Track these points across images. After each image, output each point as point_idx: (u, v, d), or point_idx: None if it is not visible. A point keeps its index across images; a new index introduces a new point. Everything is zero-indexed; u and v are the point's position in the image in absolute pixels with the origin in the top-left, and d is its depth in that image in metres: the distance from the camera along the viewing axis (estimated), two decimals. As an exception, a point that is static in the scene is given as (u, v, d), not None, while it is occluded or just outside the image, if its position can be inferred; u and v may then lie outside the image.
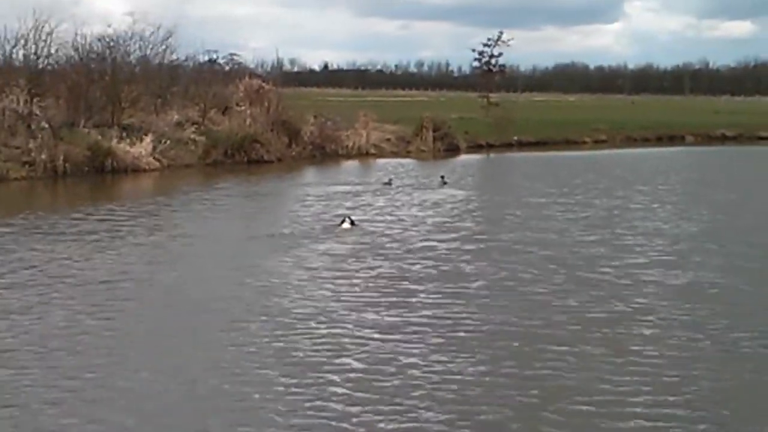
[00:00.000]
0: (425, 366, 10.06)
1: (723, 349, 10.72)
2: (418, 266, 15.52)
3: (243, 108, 39.35)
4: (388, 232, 19.30)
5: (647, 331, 11.43)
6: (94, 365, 10.04)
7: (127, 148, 31.90)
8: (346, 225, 19.77)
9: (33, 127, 30.91)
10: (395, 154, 42.05)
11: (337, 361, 10.26)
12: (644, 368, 10.02)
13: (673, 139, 56.96)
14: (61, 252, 16.59)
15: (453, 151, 44.63)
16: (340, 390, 9.32)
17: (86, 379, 9.61)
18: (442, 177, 30.02)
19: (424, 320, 11.95)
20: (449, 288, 13.77)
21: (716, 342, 10.98)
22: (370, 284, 14.15)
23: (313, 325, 11.72)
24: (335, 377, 9.70)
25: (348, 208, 22.46)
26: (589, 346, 10.80)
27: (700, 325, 11.66)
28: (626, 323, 11.76)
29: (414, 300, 13.09)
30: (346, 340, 11.05)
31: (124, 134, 32.80)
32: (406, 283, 14.20)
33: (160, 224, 20.47)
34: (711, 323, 11.75)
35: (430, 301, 13.04)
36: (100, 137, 31.83)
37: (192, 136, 36.25)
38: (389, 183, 29.01)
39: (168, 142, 33.67)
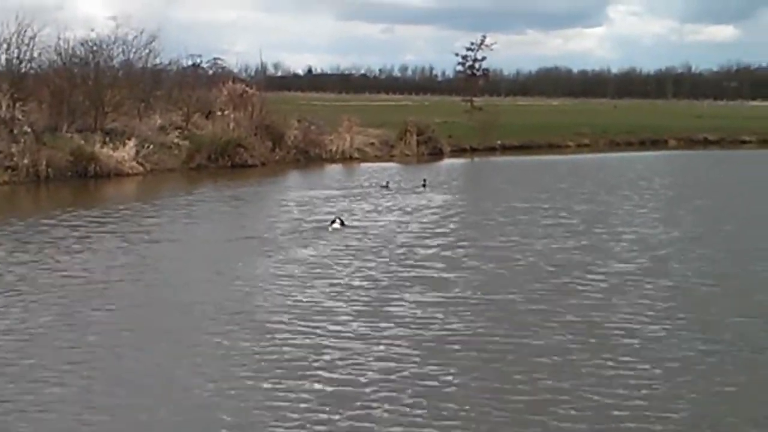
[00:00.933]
0: (399, 371, 10.11)
1: (707, 359, 10.66)
2: (397, 271, 15.60)
3: (227, 112, 39.32)
4: (369, 238, 19.34)
5: (627, 340, 11.44)
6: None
7: (110, 152, 31.84)
8: (336, 225, 19.95)
9: (15, 131, 30.77)
10: (379, 158, 42.12)
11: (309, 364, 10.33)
12: (621, 375, 10.10)
13: (656, 143, 57.26)
14: (41, 256, 16.60)
15: (437, 155, 44.75)
16: (311, 393, 9.38)
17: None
18: (424, 181, 30.29)
19: (401, 326, 12.01)
20: (427, 295, 13.77)
21: (699, 350, 10.93)
22: (348, 289, 14.19)
23: (285, 328, 11.81)
24: (305, 382, 9.76)
25: (330, 213, 22.47)
26: (568, 354, 10.87)
27: (682, 334, 11.63)
28: (607, 332, 11.70)
29: (392, 306, 13.13)
30: (318, 345, 11.14)
31: (107, 139, 32.73)
32: (384, 289, 14.21)
33: (141, 229, 20.43)
34: (694, 331, 11.70)
35: (408, 306, 13.06)
36: (83, 142, 31.76)
37: (175, 140, 36.21)
38: (387, 186, 29.31)
39: (151, 146, 33.62)
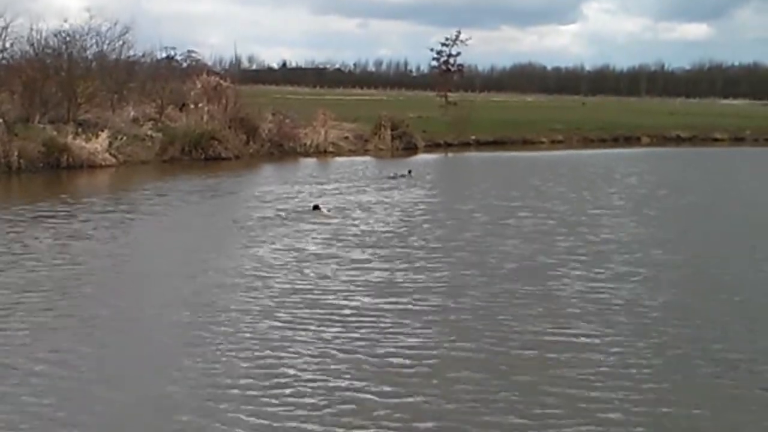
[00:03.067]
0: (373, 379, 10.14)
1: (685, 373, 10.31)
2: (370, 271, 15.62)
3: (200, 105, 39.19)
4: (341, 234, 19.40)
5: (604, 348, 11.33)
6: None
7: (83, 143, 31.66)
8: (325, 210, 20.31)
9: (-14, 122, 30.56)
10: (353, 152, 42.18)
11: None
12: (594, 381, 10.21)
13: (629, 140, 57.65)
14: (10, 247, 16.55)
15: (411, 149, 44.85)
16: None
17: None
18: (410, 171, 31.47)
19: (373, 331, 12.03)
20: (394, 298, 13.54)
21: (681, 363, 10.64)
22: (319, 288, 14.18)
23: (253, 324, 11.85)
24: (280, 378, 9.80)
25: (307, 204, 22.54)
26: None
27: (661, 343, 11.32)
28: (583, 340, 11.39)
29: (362, 308, 13.15)
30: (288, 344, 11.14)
31: (80, 130, 32.54)
32: (352, 292, 14.16)
33: (113, 219, 20.39)
34: (675, 342, 11.36)
35: (379, 309, 12.95)
36: (55, 133, 31.57)
37: (149, 132, 36.06)
38: (408, 174, 30.84)
39: (124, 138, 33.48)
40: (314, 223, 19.90)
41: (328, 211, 21.05)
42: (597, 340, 11.21)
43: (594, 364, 10.22)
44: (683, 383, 9.74)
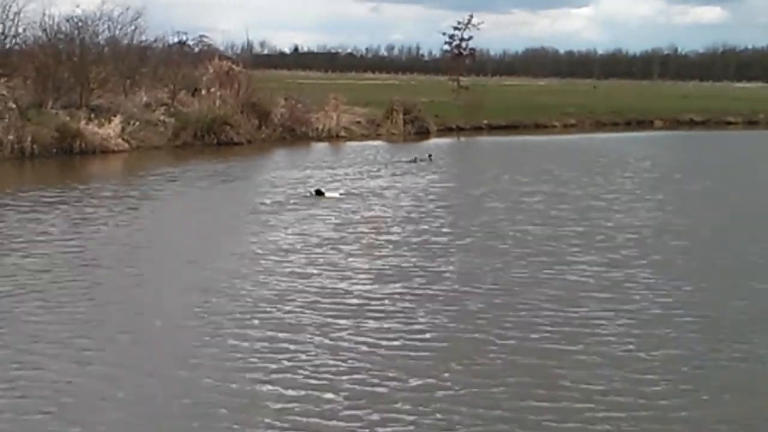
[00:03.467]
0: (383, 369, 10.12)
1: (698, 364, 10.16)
2: (383, 257, 15.61)
3: (213, 90, 39.13)
4: (353, 219, 19.39)
5: (623, 337, 11.22)
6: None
7: (96, 129, 31.67)
8: (331, 194, 20.37)
9: (0, 108, 30.59)
10: (366, 137, 42.08)
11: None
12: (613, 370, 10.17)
13: (641, 124, 57.30)
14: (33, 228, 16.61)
15: (423, 134, 44.70)
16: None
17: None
18: (430, 156, 31.59)
19: (386, 316, 12.02)
20: (406, 283, 13.48)
21: (694, 351, 10.50)
22: (332, 274, 14.11)
23: (267, 309, 11.86)
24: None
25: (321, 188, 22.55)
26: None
27: (674, 331, 11.26)
28: (596, 324, 11.31)
29: (378, 292, 13.10)
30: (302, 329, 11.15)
31: (93, 115, 32.55)
32: (368, 275, 14.13)
33: (126, 205, 20.43)
34: (688, 329, 11.26)
35: (393, 294, 12.90)
36: (68, 118, 31.60)
37: (161, 117, 36.08)
38: (429, 158, 31.10)
39: (137, 123, 33.48)
40: (326, 208, 19.90)
41: (341, 195, 21.08)
42: (610, 325, 11.18)
43: (607, 349, 10.21)
44: (695, 372, 9.70)
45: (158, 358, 9.77)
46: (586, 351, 10.14)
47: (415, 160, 30.57)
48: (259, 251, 15.21)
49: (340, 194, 21.50)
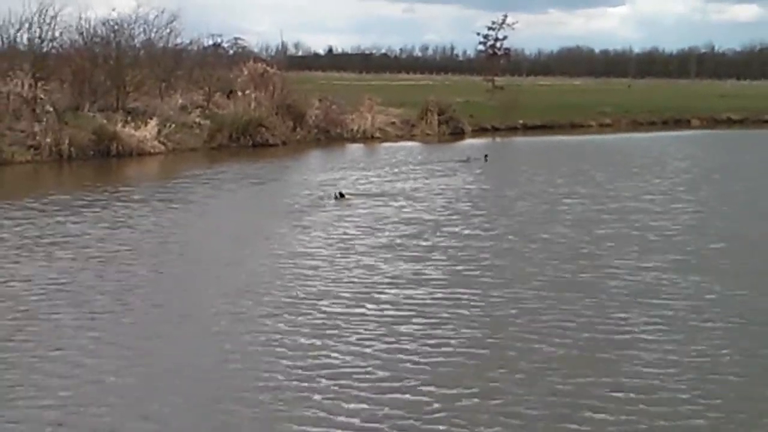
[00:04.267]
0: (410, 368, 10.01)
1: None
2: (416, 261, 15.47)
3: (248, 92, 39.21)
4: (387, 221, 19.26)
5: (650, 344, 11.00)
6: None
7: (132, 131, 31.82)
8: (351, 196, 20.43)
9: (38, 110, 30.82)
10: (400, 138, 41.94)
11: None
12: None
13: (678, 123, 56.68)
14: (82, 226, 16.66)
15: (458, 134, 44.48)
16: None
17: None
18: (486, 156, 31.74)
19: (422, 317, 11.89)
20: (438, 288, 13.36)
21: (736, 361, 10.11)
22: (364, 278, 14.02)
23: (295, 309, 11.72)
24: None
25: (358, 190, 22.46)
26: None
27: (717, 339, 10.86)
28: (633, 336, 10.96)
29: (413, 294, 13.02)
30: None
31: (129, 118, 32.71)
32: (397, 282, 14.09)
33: (160, 208, 20.46)
34: (730, 338, 10.88)
35: (427, 300, 12.78)
36: (105, 121, 31.79)
37: (197, 119, 36.22)
38: (467, 160, 30.61)
39: (173, 125, 33.59)
40: (360, 209, 19.82)
41: (365, 194, 21.03)
42: (647, 336, 10.78)
43: (644, 363, 9.82)
44: (737, 383, 9.40)
45: (199, 355, 9.72)
46: (623, 359, 9.92)
47: (468, 160, 30.43)
48: (292, 255, 15.13)
49: (366, 194, 21.47)
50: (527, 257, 15.27)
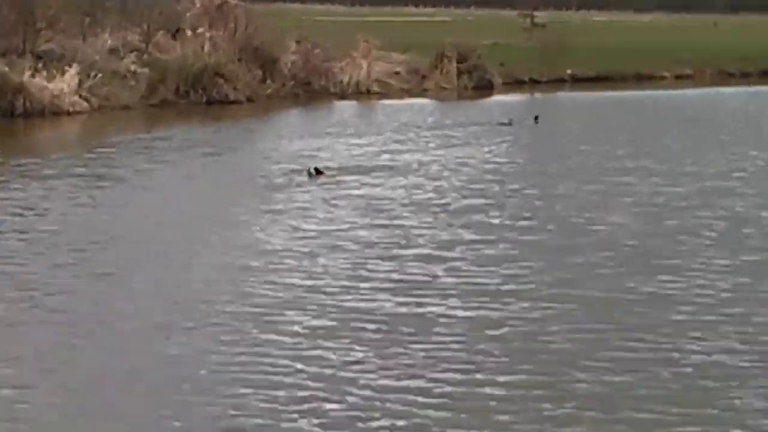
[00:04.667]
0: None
1: None
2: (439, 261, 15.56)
3: (200, 30, 39.15)
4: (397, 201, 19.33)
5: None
6: None
7: (45, 83, 31.75)
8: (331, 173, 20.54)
9: None
10: (406, 93, 41.89)
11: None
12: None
13: (781, 74, 56.73)
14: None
15: (484, 88, 44.42)
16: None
17: None
18: (536, 117, 32.38)
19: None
20: (475, 284, 13.71)
21: None
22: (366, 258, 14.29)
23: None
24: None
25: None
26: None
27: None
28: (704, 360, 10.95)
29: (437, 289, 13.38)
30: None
31: (40, 64, 32.63)
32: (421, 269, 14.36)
33: (81, 187, 20.43)
34: None
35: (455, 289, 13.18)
36: (7, 69, 31.68)
37: (132, 67, 36.13)
38: (509, 123, 31.26)
39: (99, 75, 33.53)
40: (351, 191, 19.84)
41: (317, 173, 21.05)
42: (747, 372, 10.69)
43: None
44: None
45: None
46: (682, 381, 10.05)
47: (510, 123, 30.49)
48: (245, 251, 15.16)
49: (358, 170, 21.39)
50: (574, 262, 15.04)
